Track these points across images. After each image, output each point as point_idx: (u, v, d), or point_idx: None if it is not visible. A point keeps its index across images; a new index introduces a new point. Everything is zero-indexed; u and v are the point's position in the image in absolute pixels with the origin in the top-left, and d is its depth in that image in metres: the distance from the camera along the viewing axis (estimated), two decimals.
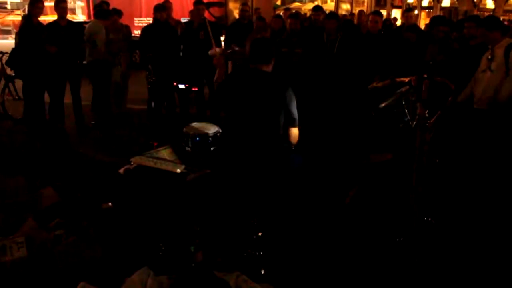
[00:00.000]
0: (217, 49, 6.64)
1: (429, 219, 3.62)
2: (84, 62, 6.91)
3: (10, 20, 20.30)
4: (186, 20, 8.43)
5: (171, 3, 7.89)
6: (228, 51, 6.64)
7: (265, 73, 3.24)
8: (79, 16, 20.48)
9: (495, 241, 3.68)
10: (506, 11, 23.47)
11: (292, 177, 3.33)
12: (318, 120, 3.30)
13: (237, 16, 10.66)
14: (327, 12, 8.15)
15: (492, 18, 4.91)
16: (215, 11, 9.07)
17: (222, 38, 7.76)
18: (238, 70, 3.46)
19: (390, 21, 8.39)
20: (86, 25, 7.12)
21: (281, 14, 9.37)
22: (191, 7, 7.61)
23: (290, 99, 3.18)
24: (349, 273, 3.28)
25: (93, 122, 7.12)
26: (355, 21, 10.31)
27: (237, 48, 6.42)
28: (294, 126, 3.26)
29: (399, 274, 3.23)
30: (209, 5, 7.79)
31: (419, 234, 3.39)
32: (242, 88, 3.24)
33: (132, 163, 3.40)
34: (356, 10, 21.37)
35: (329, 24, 5.86)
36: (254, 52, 3.26)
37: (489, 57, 4.59)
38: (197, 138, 3.39)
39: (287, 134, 3.26)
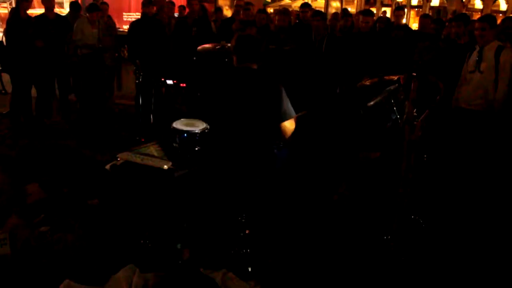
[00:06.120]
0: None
1: (417, 217, 3.64)
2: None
3: None
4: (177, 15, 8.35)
5: None
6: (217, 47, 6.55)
7: (253, 71, 3.18)
8: (67, 10, 20.20)
9: (483, 239, 3.72)
10: (494, 11, 23.64)
11: (279, 173, 3.32)
12: (307, 118, 3.27)
13: (228, 13, 10.60)
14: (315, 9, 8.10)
15: (493, 17, 4.90)
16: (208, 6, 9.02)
17: None
18: (223, 68, 3.35)
19: (388, 19, 8.22)
20: None
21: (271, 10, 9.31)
22: (180, 3, 7.54)
23: (280, 96, 3.09)
24: (336, 270, 3.28)
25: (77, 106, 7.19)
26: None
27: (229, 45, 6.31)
28: (286, 120, 3.11)
29: (386, 272, 3.24)
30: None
31: (406, 232, 3.41)
32: (230, 86, 3.16)
33: (118, 159, 3.36)
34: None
35: (314, 22, 5.86)
36: (241, 50, 3.16)
37: (477, 58, 4.60)
38: (185, 135, 3.35)
39: (278, 131, 3.14)
